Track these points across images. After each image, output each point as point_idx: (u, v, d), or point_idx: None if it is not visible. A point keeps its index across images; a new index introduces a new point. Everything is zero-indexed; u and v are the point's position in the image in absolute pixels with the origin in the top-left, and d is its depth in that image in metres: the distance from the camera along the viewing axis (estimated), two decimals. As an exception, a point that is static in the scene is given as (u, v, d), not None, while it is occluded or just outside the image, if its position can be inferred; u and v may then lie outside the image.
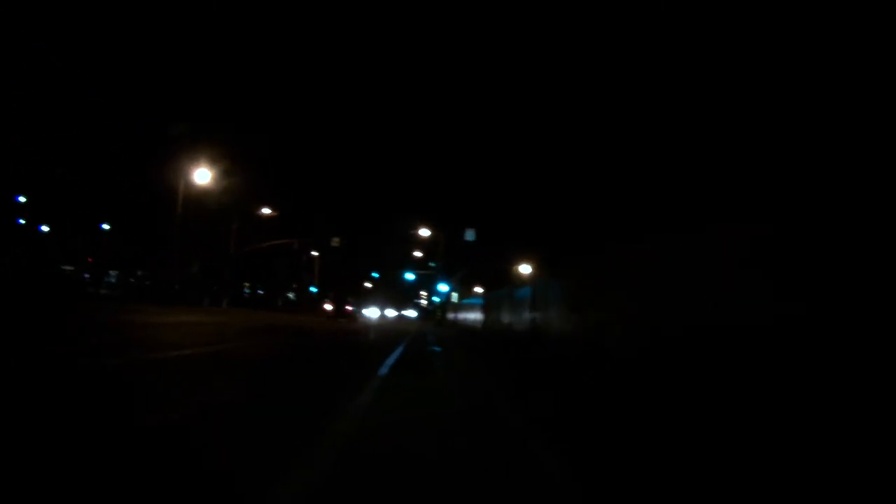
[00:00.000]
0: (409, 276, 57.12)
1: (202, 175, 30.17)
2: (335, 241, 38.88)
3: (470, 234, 26.69)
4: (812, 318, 3.58)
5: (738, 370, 4.23)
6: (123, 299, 32.06)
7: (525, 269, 28.89)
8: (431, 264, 55.29)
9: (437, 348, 13.17)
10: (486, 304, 25.12)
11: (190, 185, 32.27)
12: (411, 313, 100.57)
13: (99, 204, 47.04)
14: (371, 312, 74.89)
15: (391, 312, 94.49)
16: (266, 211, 37.97)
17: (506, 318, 19.36)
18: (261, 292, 71.76)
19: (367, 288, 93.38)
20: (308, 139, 76.06)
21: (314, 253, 59.77)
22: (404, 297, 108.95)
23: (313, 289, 58.25)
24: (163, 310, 23.20)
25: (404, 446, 3.37)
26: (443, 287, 34.44)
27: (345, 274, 71.94)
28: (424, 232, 34.93)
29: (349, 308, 33.03)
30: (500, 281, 29.32)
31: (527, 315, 15.22)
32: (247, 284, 67.10)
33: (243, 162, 44.40)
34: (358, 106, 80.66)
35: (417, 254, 56.40)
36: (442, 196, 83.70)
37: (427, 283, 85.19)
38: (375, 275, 71.39)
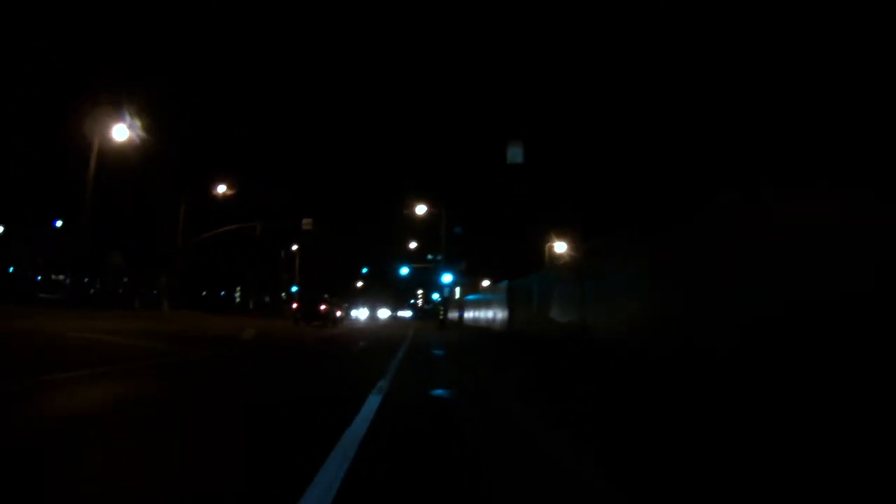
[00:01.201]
0: (404, 270, 49.39)
1: (121, 131, 22.35)
2: (306, 223, 31.06)
3: (515, 153, 18.56)
4: None
5: None
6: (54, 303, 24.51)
7: (561, 247, 21.33)
8: (429, 256, 47.67)
9: (442, 390, 5.53)
10: (513, 296, 17.50)
11: (110, 150, 24.54)
12: (406, 314, 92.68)
13: (50, 199, 39.21)
14: (359, 313, 67.13)
15: (384, 313, 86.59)
16: (222, 189, 30.16)
17: (562, 314, 11.73)
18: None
19: (357, 287, 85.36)
20: (279, 110, 67.13)
21: (294, 247, 52.04)
22: (399, 295, 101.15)
23: (295, 289, 50.39)
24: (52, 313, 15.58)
25: None
26: (446, 277, 26.85)
27: (333, 272, 64.14)
28: (421, 209, 27.33)
29: (324, 308, 25.08)
30: (524, 267, 21.87)
31: (632, 310, 7.64)
32: (237, 289, 59.00)
33: (199, 130, 36.70)
34: (336, 67, 71.18)
35: (413, 245, 48.75)
36: (439, 161, 73.70)
37: (424, 279, 77.38)
38: (364, 270, 62.95)
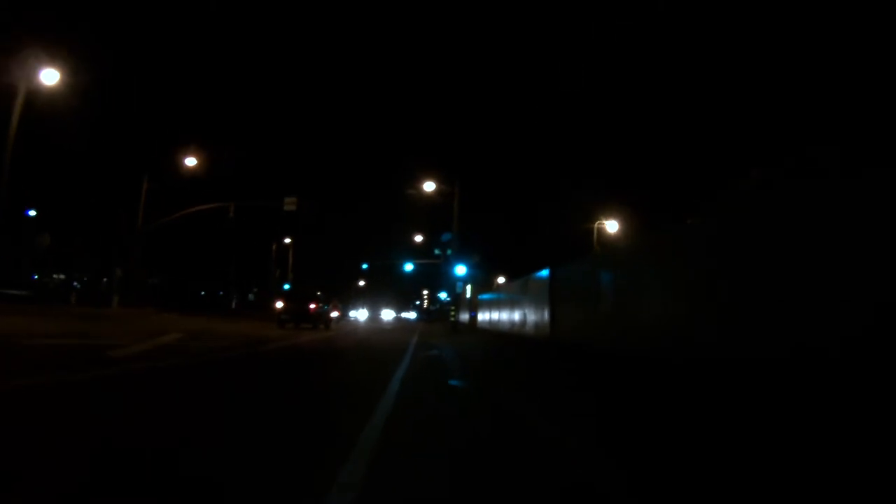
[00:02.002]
0: (408, 266, 44.48)
1: (49, 76, 17.54)
2: (289, 203, 25.87)
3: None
4: None
5: None
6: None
7: (613, 227, 16.09)
8: (436, 252, 42.68)
9: None
10: (559, 290, 12.46)
11: (54, 111, 19.87)
12: (411, 315, 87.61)
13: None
14: (359, 314, 62.13)
15: (388, 314, 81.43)
16: (193, 163, 25.18)
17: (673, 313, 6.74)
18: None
19: (359, 287, 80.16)
20: (273, 84, 60.09)
21: (287, 240, 47.12)
22: (403, 295, 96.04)
23: (288, 286, 45.37)
24: None
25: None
26: (460, 269, 21.82)
27: (332, 269, 59.10)
28: (430, 186, 22.29)
29: (313, 306, 20.36)
30: (557, 255, 16.87)
31: None
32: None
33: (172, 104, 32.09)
34: (331, 34, 62.71)
35: (418, 238, 43.78)
36: (451, 136, 63.79)
37: (429, 278, 72.02)
38: (364, 266, 56.87)
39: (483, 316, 31.09)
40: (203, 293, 55.98)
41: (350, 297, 76.13)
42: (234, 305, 41.97)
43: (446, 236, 21.91)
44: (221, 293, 44.60)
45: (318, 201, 56.49)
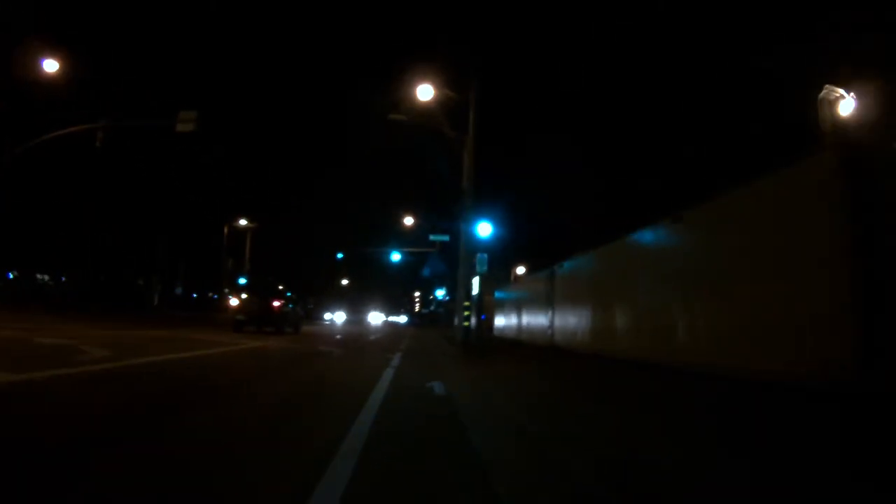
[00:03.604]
0: (396, 256, 34.96)
1: None
2: (185, 119, 15.41)
3: None
4: None
5: None
6: None
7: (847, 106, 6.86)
8: (433, 237, 32.90)
9: None
10: None
11: None
12: (401, 319, 77.72)
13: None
14: (336, 317, 52.51)
15: (378, 317, 71.53)
16: (51, 67, 15.55)
17: None
18: (177, 289, 47.07)
19: (343, 286, 70.08)
20: None
21: (242, 221, 37.40)
22: (394, 298, 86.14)
23: (243, 280, 35.45)
24: None
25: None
26: (483, 228, 12.37)
27: (304, 262, 49.19)
28: (426, 93, 12.93)
29: (277, 305, 15.47)
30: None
31: None
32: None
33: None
34: None
35: (408, 220, 34.11)
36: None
37: (423, 279, 61.89)
38: (340, 256, 44.86)
39: (504, 321, 21.56)
40: (182, 292, 44.90)
41: (331, 298, 66.42)
42: (155, 302, 32.00)
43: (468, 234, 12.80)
44: (140, 284, 34.37)
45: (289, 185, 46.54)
